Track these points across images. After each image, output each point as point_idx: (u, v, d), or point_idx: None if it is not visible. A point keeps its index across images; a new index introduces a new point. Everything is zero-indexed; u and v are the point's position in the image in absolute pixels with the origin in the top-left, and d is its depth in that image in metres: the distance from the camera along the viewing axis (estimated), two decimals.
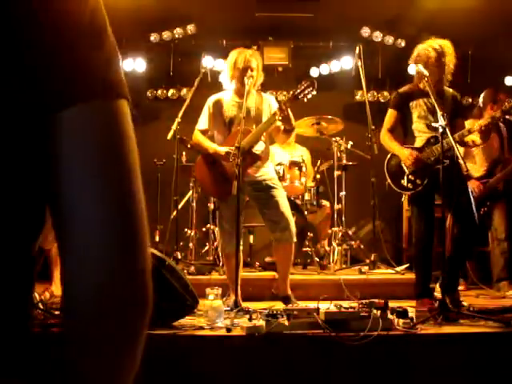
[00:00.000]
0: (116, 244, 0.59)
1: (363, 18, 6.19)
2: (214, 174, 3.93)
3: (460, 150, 3.56)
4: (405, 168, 3.88)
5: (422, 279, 3.86)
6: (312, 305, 3.09)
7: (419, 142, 3.88)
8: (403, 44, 6.39)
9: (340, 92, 6.70)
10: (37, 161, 0.59)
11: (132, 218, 0.60)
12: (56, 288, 3.99)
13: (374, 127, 4.98)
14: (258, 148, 3.87)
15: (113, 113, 0.61)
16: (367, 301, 3.10)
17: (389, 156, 4.01)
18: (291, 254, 3.85)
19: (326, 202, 5.57)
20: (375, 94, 6.61)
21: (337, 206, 5.34)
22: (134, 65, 6.45)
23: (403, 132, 4.01)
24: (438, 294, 3.87)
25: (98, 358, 0.59)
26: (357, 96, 6.56)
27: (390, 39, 6.43)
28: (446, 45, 3.84)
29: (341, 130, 5.49)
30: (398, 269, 4.82)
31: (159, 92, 6.63)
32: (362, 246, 5.33)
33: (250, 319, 3.20)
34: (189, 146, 4.81)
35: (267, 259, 4.77)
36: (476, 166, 4.96)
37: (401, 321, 3.06)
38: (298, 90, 3.74)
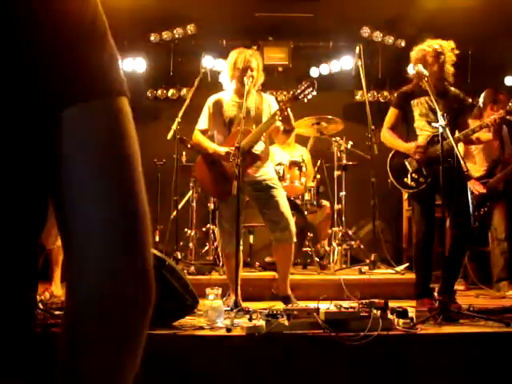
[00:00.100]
0: (118, 244, 0.58)
1: (363, 18, 6.19)
2: (214, 174, 3.93)
3: (460, 150, 3.57)
4: (408, 166, 3.89)
5: (422, 279, 3.86)
6: (312, 305, 3.09)
7: (421, 140, 3.89)
8: (403, 44, 6.39)
9: (340, 92, 6.70)
10: (39, 160, 0.59)
11: (134, 218, 0.60)
12: (56, 288, 3.99)
13: (373, 127, 4.98)
14: (258, 148, 3.87)
15: (114, 112, 0.60)
16: (367, 301, 3.10)
17: (391, 154, 4.01)
18: (291, 254, 3.85)
19: (326, 202, 5.57)
20: (375, 94, 6.61)
21: (337, 206, 5.34)
22: (134, 65, 6.45)
23: (406, 130, 4.01)
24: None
25: (98, 358, 0.59)
26: (357, 96, 6.56)
27: (390, 39, 6.43)
28: (446, 44, 3.84)
29: (341, 130, 5.50)
30: (398, 269, 4.82)
31: (159, 92, 6.63)
32: (362, 246, 5.33)
33: (250, 319, 3.20)
34: (189, 145, 4.81)
35: (267, 259, 4.77)
36: (476, 166, 4.96)
37: (401, 321, 3.06)
38: (298, 91, 3.74)
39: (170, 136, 4.75)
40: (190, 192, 5.61)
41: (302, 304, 3.52)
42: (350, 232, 5.45)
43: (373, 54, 6.46)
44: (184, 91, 6.48)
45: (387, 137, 3.98)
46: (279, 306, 3.62)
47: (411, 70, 4.09)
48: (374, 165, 4.97)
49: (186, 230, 5.45)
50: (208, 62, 5.90)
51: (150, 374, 2.66)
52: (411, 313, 3.24)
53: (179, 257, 4.87)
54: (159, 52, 6.58)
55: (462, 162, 3.33)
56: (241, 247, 3.76)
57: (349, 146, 5.36)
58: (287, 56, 6.45)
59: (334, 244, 5.14)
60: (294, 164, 5.12)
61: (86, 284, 0.58)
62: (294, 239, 3.81)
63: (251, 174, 3.84)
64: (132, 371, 0.62)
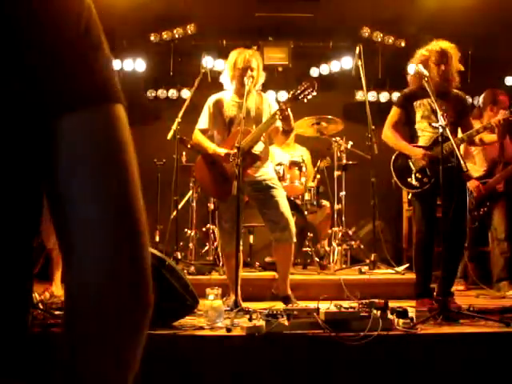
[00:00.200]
0: (115, 244, 0.59)
1: (363, 18, 6.19)
2: (214, 175, 3.93)
3: (460, 150, 3.58)
4: (412, 166, 3.89)
5: (422, 279, 3.86)
6: (312, 305, 3.09)
7: (422, 141, 3.89)
8: (403, 44, 6.40)
9: (340, 92, 6.70)
10: (36, 161, 0.59)
11: (130, 220, 0.60)
12: (56, 288, 3.99)
13: (373, 127, 4.98)
14: (258, 148, 3.87)
15: (110, 116, 0.61)
16: (367, 301, 3.10)
17: (395, 155, 4.01)
18: (291, 254, 3.85)
19: (326, 202, 5.57)
20: (375, 94, 6.61)
21: (337, 206, 5.34)
22: (134, 65, 6.45)
23: (408, 131, 4.01)
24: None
25: (97, 358, 0.59)
26: (357, 96, 6.56)
27: (390, 39, 6.43)
28: (449, 46, 3.84)
29: (341, 130, 5.49)
30: (398, 269, 4.81)
31: (159, 92, 6.63)
32: (362, 246, 5.33)
33: (250, 319, 3.20)
34: (189, 145, 4.81)
35: (267, 259, 4.77)
36: (476, 167, 4.96)
37: (401, 321, 3.06)
38: (299, 91, 3.73)
39: (169, 136, 4.75)
40: (190, 192, 5.61)
41: (302, 304, 3.52)
42: (350, 232, 5.45)
43: (373, 53, 6.45)
44: (184, 91, 6.48)
45: (389, 136, 3.98)
46: (279, 305, 3.62)
47: (411, 69, 4.09)
48: (374, 165, 4.97)
49: (185, 230, 5.45)
50: (208, 61, 5.90)
51: (150, 374, 2.66)
52: (411, 313, 3.24)
53: (179, 257, 4.87)
54: (159, 52, 6.58)
55: (461, 161, 3.34)
56: (241, 247, 3.76)
57: (349, 146, 5.36)
58: (287, 56, 6.46)
59: (333, 244, 5.14)
60: (294, 164, 5.12)
61: (83, 284, 0.58)
62: (294, 239, 3.81)
63: (251, 174, 3.84)
64: (131, 371, 0.62)
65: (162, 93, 6.62)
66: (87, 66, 0.60)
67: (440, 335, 3.01)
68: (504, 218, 4.82)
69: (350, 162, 5.41)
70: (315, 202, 5.38)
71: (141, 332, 0.62)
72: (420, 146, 3.88)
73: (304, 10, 6.01)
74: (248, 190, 3.88)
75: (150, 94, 6.63)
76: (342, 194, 5.40)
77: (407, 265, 5.00)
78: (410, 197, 4.63)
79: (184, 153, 5.41)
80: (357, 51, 5.50)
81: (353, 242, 5.28)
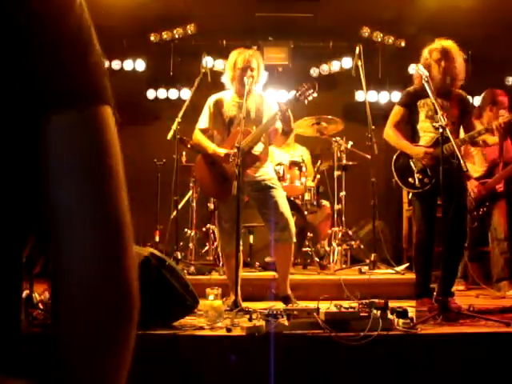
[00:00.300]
0: (98, 250, 0.59)
1: (363, 18, 6.19)
2: (214, 175, 3.93)
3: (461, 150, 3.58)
4: (413, 166, 3.89)
5: (422, 279, 3.86)
6: (312, 305, 3.09)
7: (423, 142, 3.89)
8: (403, 44, 6.40)
9: (340, 92, 6.71)
10: (26, 160, 0.59)
11: (115, 226, 0.60)
12: None
13: (373, 127, 4.98)
14: (258, 149, 3.87)
15: (98, 118, 0.61)
16: (367, 301, 3.10)
17: (396, 155, 4.00)
18: (291, 254, 3.85)
19: (325, 202, 5.57)
20: (375, 94, 6.62)
21: (337, 206, 5.34)
22: (134, 65, 6.46)
23: (410, 130, 4.00)
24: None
25: (83, 358, 0.60)
26: (357, 96, 6.56)
27: (390, 39, 6.44)
28: (451, 47, 3.84)
29: (341, 130, 5.49)
30: (398, 269, 4.81)
31: (159, 92, 6.63)
32: (362, 246, 5.33)
33: (250, 319, 3.20)
34: (189, 145, 4.81)
35: (267, 259, 4.77)
36: (475, 167, 4.96)
37: (401, 321, 3.06)
38: (299, 92, 3.73)
39: (169, 136, 4.76)
40: (190, 192, 5.61)
41: (302, 304, 3.52)
42: (350, 232, 5.46)
43: (373, 53, 6.46)
44: (184, 91, 6.49)
45: (391, 135, 3.97)
46: (279, 305, 3.62)
47: (411, 69, 4.09)
48: (374, 165, 4.97)
49: (186, 230, 5.45)
50: (208, 61, 5.90)
51: (151, 374, 2.66)
52: (411, 313, 3.24)
53: (179, 257, 4.87)
54: (159, 52, 6.58)
55: (461, 161, 3.34)
56: (241, 247, 3.76)
57: (349, 146, 5.36)
58: (287, 56, 6.46)
59: (333, 244, 5.14)
60: (294, 164, 5.12)
61: (71, 284, 0.59)
62: (294, 239, 3.81)
63: (251, 175, 3.84)
64: (120, 371, 0.61)
65: (161, 93, 6.63)
66: (81, 64, 0.60)
67: (440, 335, 3.01)
68: (504, 218, 4.82)
69: (350, 163, 5.41)
70: (315, 202, 5.39)
71: (126, 337, 0.62)
72: (422, 146, 3.88)
73: (304, 10, 6.01)
74: (248, 190, 3.88)
75: (150, 94, 6.64)
76: (342, 194, 5.40)
77: (407, 265, 5.00)
78: (410, 197, 4.64)
79: (184, 153, 5.42)
80: (357, 51, 5.50)
81: (353, 242, 5.28)
